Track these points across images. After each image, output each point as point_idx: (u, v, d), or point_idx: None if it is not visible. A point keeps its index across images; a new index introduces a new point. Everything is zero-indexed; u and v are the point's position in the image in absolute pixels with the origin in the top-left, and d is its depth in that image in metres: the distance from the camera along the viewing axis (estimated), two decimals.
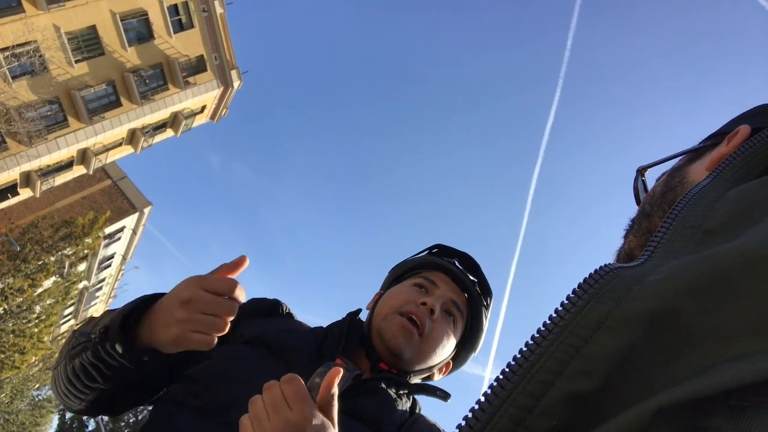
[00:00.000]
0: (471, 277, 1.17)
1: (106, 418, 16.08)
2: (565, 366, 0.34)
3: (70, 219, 17.99)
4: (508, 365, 0.37)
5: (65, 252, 17.43)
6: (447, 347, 1.10)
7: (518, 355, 0.37)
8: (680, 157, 0.66)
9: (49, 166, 17.93)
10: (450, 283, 1.13)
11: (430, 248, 1.22)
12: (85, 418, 16.51)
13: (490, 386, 0.37)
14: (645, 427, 0.30)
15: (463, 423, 0.36)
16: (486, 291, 1.19)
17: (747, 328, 0.32)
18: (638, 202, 0.68)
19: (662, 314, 0.34)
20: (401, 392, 1.01)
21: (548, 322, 0.37)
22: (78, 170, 19.55)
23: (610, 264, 0.40)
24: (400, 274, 1.21)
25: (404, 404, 0.99)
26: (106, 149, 19.26)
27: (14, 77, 15.23)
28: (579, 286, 0.39)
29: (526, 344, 0.37)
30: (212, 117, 22.81)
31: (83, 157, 18.87)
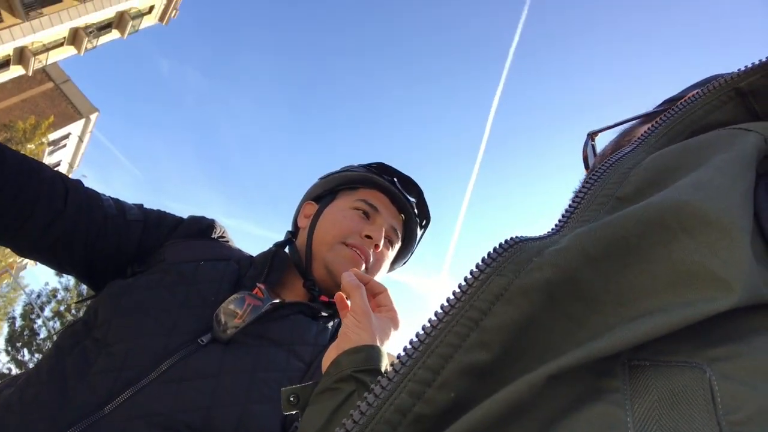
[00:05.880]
0: (410, 198, 1.15)
1: (58, 325, 16.04)
2: (464, 339, 0.34)
3: (9, 123, 16.99)
4: (410, 342, 0.37)
5: None
6: (383, 272, 1.14)
7: (420, 332, 0.37)
8: (633, 122, 0.66)
9: None
10: (389, 206, 1.12)
11: (369, 165, 1.18)
12: (36, 325, 16.43)
13: (392, 363, 0.37)
14: (536, 393, 0.30)
15: (361, 403, 0.36)
16: (423, 213, 1.18)
17: (646, 291, 0.33)
18: (587, 166, 0.67)
19: (561, 283, 0.35)
20: (320, 318, 1.01)
21: (451, 297, 0.38)
22: (15, 70, 18.20)
23: (518, 236, 0.40)
24: (334, 186, 1.17)
25: (322, 328, 0.98)
26: (47, 49, 17.91)
27: None
28: (482, 259, 0.39)
29: (429, 320, 0.38)
30: (161, 19, 21.37)
31: (21, 56, 17.54)
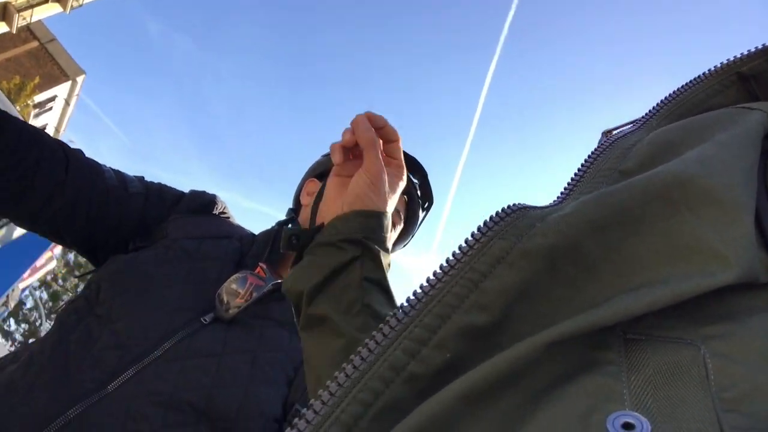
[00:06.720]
0: (413, 179, 1.13)
1: (45, 296, 15.78)
2: (463, 300, 0.34)
3: None
4: (407, 300, 0.36)
5: None
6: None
7: (418, 290, 0.36)
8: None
9: None
10: None
11: None
12: (23, 295, 16.12)
13: (387, 319, 0.36)
14: (534, 359, 0.30)
15: (355, 357, 0.35)
16: (426, 194, 1.15)
17: (645, 263, 0.33)
18: None
19: (562, 249, 0.34)
20: None
21: (451, 258, 0.37)
22: None
23: (520, 203, 0.39)
24: None
25: None
26: (30, 6, 17.12)
27: None
28: (484, 223, 0.38)
29: (427, 280, 0.37)
30: None
31: (4, 12, 16.73)
